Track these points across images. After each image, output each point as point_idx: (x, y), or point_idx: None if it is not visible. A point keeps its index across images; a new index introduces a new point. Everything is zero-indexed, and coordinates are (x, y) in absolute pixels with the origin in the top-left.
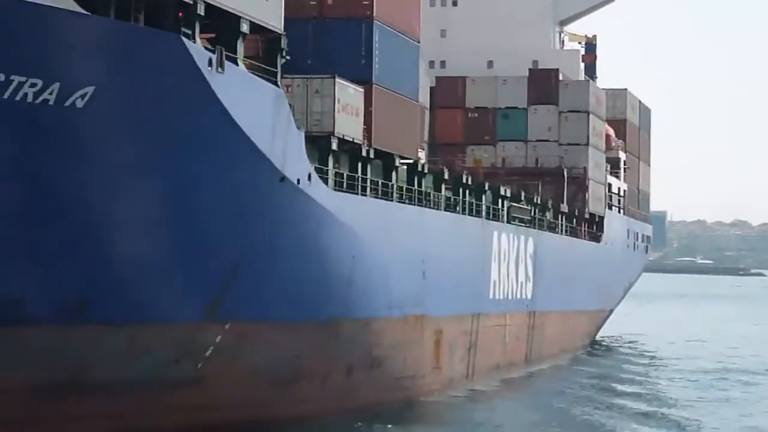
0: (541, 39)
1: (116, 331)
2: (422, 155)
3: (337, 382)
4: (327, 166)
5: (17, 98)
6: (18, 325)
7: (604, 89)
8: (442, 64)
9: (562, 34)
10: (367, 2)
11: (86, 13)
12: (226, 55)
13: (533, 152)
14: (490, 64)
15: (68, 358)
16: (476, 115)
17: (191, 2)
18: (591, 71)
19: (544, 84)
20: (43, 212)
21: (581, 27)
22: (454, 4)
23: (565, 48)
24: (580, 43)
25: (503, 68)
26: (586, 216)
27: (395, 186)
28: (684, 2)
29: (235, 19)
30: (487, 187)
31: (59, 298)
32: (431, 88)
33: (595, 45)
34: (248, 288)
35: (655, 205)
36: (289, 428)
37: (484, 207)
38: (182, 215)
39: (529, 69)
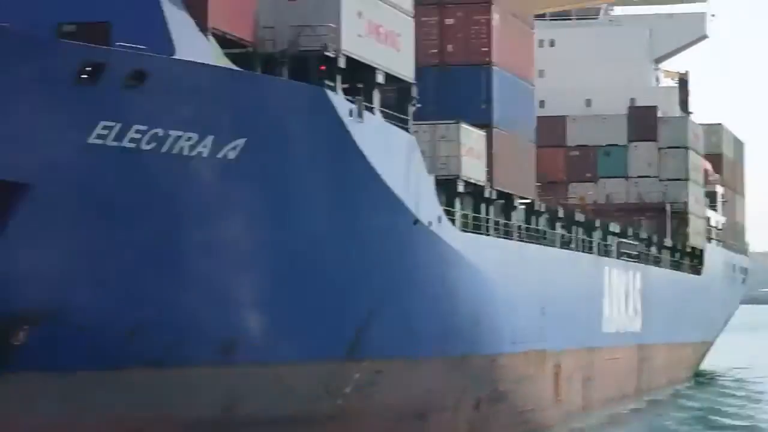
0: (638, 77)
1: (263, 370)
2: None
3: (465, 415)
4: (454, 208)
5: (174, 152)
6: (173, 366)
7: (700, 124)
8: (541, 103)
9: (658, 72)
10: (486, 49)
11: (238, 69)
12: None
13: (635, 188)
14: (588, 102)
15: (218, 396)
16: (577, 153)
17: (333, 56)
18: (684, 107)
19: (643, 121)
20: (196, 262)
21: (673, 63)
22: (552, 44)
23: (660, 85)
24: (672, 79)
25: (601, 106)
26: (688, 249)
27: (515, 225)
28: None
29: (371, 70)
30: (597, 224)
31: (211, 341)
32: None
33: (687, 81)
34: (385, 327)
35: None
36: None
37: (595, 243)
38: (327, 259)
39: (629, 107)
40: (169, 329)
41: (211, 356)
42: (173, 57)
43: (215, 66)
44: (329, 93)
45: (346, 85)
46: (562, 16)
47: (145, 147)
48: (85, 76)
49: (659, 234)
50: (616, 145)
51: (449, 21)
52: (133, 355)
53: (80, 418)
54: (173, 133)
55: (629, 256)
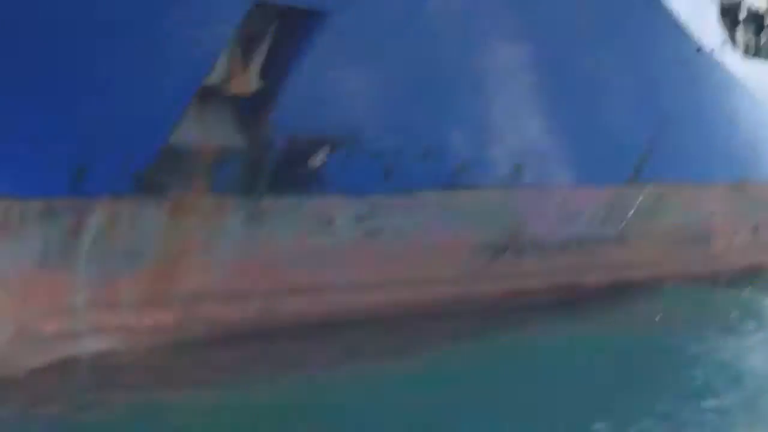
0: None
1: (549, 194)
2: None
3: (743, 240)
4: (736, 35)
5: None
6: (464, 188)
7: None
8: None
9: None
10: None
11: None
12: None
13: None
14: None
15: (506, 219)
16: None
17: None
18: None
19: None
20: (486, 85)
21: None
22: None
23: None
24: None
25: None
26: None
27: None
28: None
29: None
30: None
31: (500, 163)
32: None
33: None
34: (666, 153)
35: None
36: (701, 285)
37: None
38: (609, 86)
39: None
40: (461, 151)
41: (499, 179)
42: None
43: None
44: None
45: None
46: None
47: None
48: None
49: None
50: None
51: None
52: (425, 177)
53: (372, 240)
54: None
55: None
